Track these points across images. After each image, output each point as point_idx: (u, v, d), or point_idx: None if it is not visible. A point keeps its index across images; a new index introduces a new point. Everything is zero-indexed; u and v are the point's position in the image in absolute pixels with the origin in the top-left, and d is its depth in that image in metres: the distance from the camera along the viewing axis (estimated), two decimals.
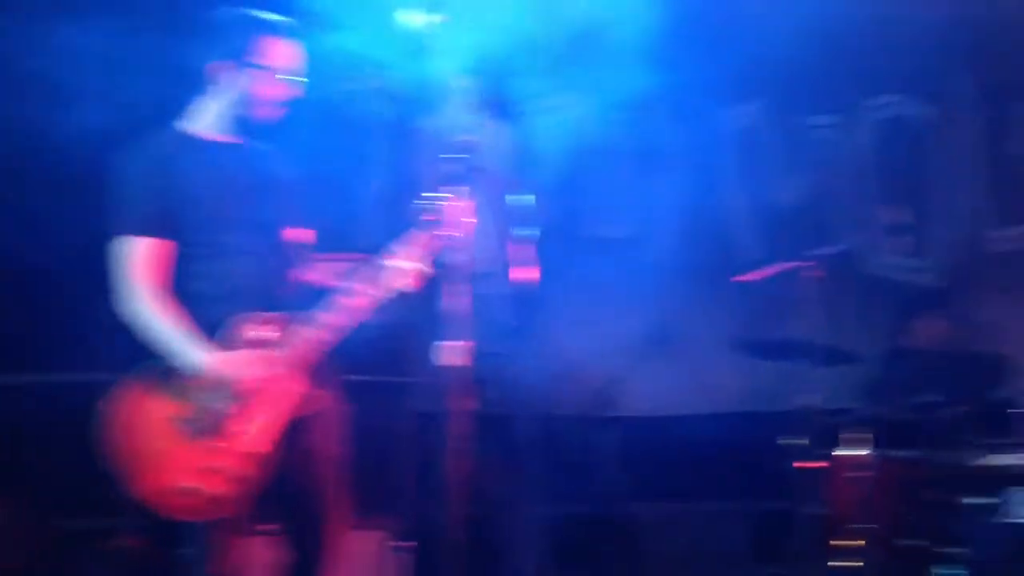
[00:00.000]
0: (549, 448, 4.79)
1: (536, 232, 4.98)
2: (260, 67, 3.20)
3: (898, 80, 6.01)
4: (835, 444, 4.82)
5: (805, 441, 4.71)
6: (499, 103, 5.23)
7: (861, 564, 4.54)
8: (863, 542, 4.58)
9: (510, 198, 5.02)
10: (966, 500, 4.48)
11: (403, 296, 3.14)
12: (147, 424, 3.03)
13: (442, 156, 3.10)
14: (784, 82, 5.96)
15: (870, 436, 4.76)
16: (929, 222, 5.99)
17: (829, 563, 4.57)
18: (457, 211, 3.08)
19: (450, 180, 3.07)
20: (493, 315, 4.21)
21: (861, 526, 4.61)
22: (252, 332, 3.08)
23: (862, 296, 5.79)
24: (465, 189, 3.12)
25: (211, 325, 3.06)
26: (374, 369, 4.51)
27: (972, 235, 5.94)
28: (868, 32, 5.95)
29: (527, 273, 4.84)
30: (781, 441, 4.74)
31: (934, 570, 4.39)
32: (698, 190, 5.96)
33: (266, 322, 3.11)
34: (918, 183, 6.02)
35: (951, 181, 6.01)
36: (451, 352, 3.08)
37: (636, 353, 5.62)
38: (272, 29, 3.23)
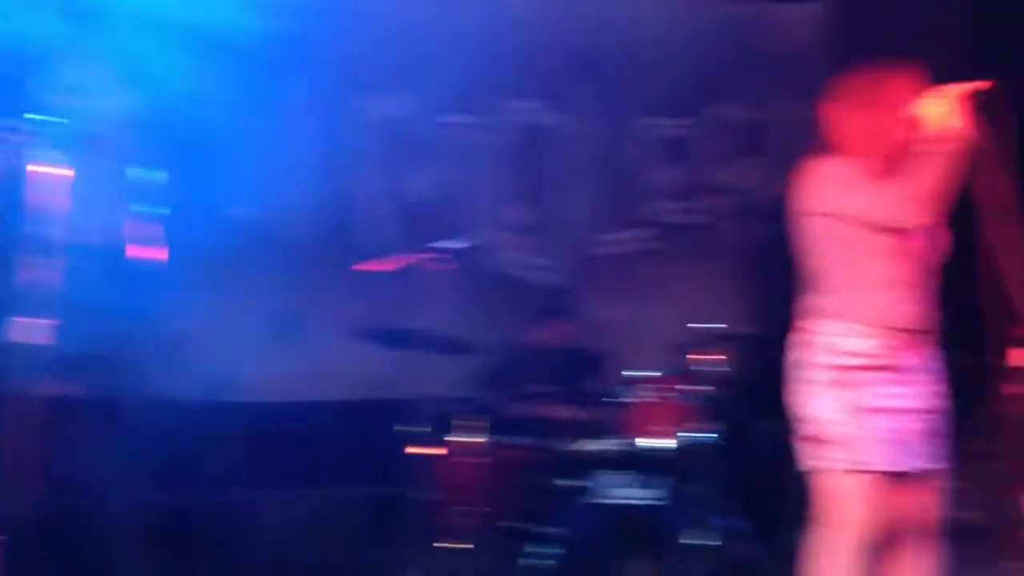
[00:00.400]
0: (162, 433, 4.62)
1: (163, 210, 4.80)
2: None
3: (530, 87, 6.33)
4: (449, 431, 4.99)
5: (421, 429, 4.85)
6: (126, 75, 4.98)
7: (468, 546, 4.73)
8: (471, 524, 4.77)
9: (134, 172, 4.81)
10: (565, 483, 4.77)
11: None
12: None
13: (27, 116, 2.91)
14: (423, 77, 6.10)
15: (482, 424, 4.98)
16: (551, 224, 6.36)
17: (437, 545, 4.72)
18: (45, 177, 2.91)
19: (39, 144, 2.90)
20: (98, 292, 4.01)
21: (470, 509, 4.80)
22: None
23: (485, 290, 6.03)
24: (61, 156, 2.96)
25: None
26: None
27: (587, 238, 6.37)
28: (507, 38, 6.24)
29: (148, 251, 4.65)
30: (398, 428, 4.84)
31: (531, 549, 4.64)
32: (330, 177, 5.99)
33: None
34: (543, 186, 6.37)
35: (571, 186, 6.41)
36: (29, 329, 2.90)
37: (256, 337, 5.56)
38: None
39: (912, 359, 3.12)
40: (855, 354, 3.10)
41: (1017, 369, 2.75)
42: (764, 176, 6.69)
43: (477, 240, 5.87)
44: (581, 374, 5.59)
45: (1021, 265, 2.74)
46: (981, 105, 2.94)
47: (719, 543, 4.84)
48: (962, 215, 3.08)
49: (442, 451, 4.94)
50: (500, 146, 6.33)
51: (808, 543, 3.16)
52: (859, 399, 3.07)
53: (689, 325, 5.24)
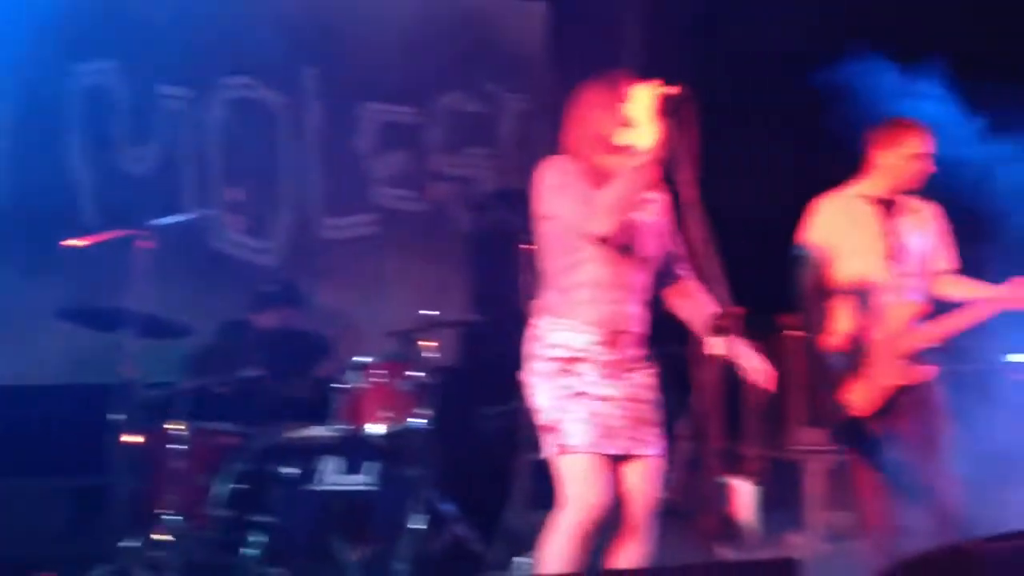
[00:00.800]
0: None
1: None
2: None
3: (253, 64, 6.15)
4: (159, 417, 4.79)
5: (129, 414, 4.61)
6: None
7: (182, 534, 4.55)
8: (184, 513, 4.60)
9: None
10: (282, 469, 4.67)
11: None
12: None
13: None
14: (138, 46, 5.79)
15: (196, 410, 4.81)
16: (271, 205, 6.20)
17: (151, 536, 4.53)
18: None
19: None
20: None
21: (183, 498, 4.63)
22: None
23: (199, 270, 5.82)
24: None
25: None
26: None
27: (309, 221, 6.27)
28: (234, 13, 6.03)
29: None
30: (109, 415, 4.58)
31: (247, 536, 4.52)
32: (38, 149, 5.58)
33: None
34: (264, 167, 6.20)
35: (294, 168, 6.28)
36: None
37: None
38: None
39: (627, 353, 3.28)
40: (576, 348, 3.24)
41: (715, 357, 2.94)
42: (489, 167, 6.83)
43: (195, 219, 5.66)
44: (300, 359, 5.51)
45: (714, 259, 2.93)
46: (672, 108, 3.11)
47: (437, 528, 4.91)
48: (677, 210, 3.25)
49: (153, 438, 4.74)
50: (223, 124, 6.11)
51: (541, 524, 3.25)
52: (578, 389, 3.19)
53: (411, 312, 5.27)
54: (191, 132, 6.03)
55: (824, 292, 4.35)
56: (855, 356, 4.19)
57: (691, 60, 5.59)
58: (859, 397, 4.18)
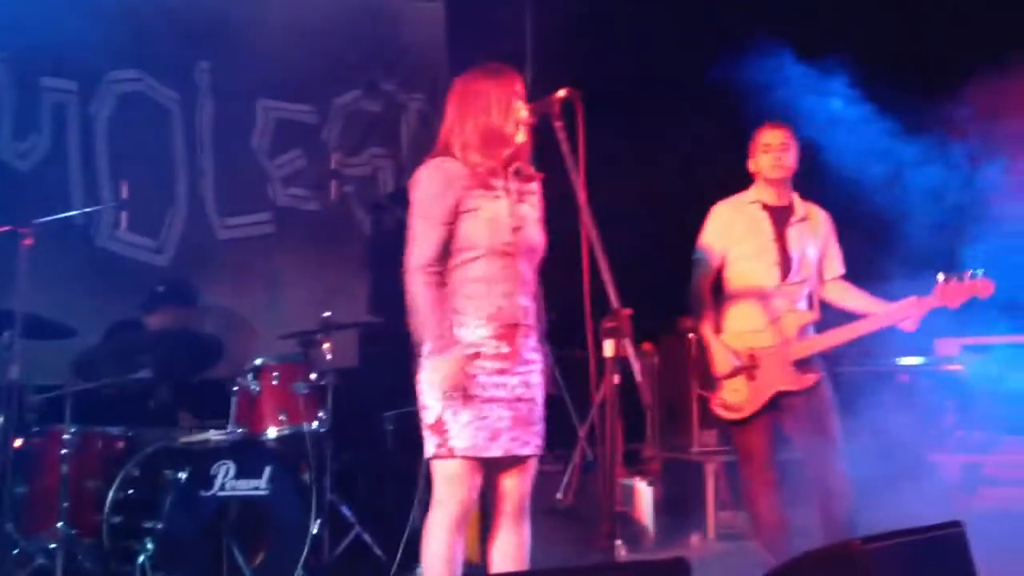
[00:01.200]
0: None
1: None
2: None
3: (143, 57, 6.00)
4: (46, 421, 4.64)
5: (13, 418, 4.45)
6: None
7: (66, 543, 4.42)
8: (71, 520, 4.46)
9: None
10: (172, 474, 4.56)
11: None
12: None
13: None
14: (22, 37, 5.59)
15: (81, 413, 4.66)
16: (163, 203, 6.05)
17: (38, 543, 4.39)
18: None
19: None
20: None
21: (69, 504, 4.49)
22: None
23: (86, 270, 5.66)
24: None
25: None
26: None
27: (202, 220, 6.13)
28: (121, 1, 5.87)
29: None
30: None
31: (135, 543, 4.40)
32: None
33: None
34: (155, 163, 6.05)
35: (187, 166, 6.14)
36: None
37: None
38: None
39: (520, 346, 3.29)
40: (468, 344, 3.24)
41: (611, 359, 2.96)
42: (388, 167, 6.78)
43: (82, 216, 5.50)
44: (193, 361, 5.38)
45: (604, 260, 2.96)
46: (560, 110, 3.14)
47: (337, 533, 4.86)
48: (565, 215, 3.27)
49: (40, 442, 4.59)
50: (113, 118, 5.94)
51: (425, 525, 3.25)
52: (468, 390, 3.19)
53: (309, 313, 5.21)
54: (78, 126, 5.85)
55: (716, 295, 4.44)
56: (744, 360, 4.28)
57: (585, 60, 5.65)
58: (745, 400, 4.27)
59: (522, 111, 3.29)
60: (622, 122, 5.77)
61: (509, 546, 3.34)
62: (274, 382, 4.83)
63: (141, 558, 4.36)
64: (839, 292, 4.46)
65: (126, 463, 4.65)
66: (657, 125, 6.15)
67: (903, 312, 4.19)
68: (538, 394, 3.35)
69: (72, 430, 4.60)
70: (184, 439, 4.79)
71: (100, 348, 5.26)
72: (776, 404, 4.28)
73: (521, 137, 3.31)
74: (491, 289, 3.26)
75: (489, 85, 3.32)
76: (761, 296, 4.34)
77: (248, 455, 4.59)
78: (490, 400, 3.22)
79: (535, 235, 3.36)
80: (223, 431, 4.79)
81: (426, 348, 3.24)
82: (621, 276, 3.01)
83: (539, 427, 3.35)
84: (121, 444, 4.77)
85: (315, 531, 4.63)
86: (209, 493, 4.50)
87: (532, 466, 3.37)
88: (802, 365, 4.27)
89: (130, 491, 4.59)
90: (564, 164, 3.11)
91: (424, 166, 3.34)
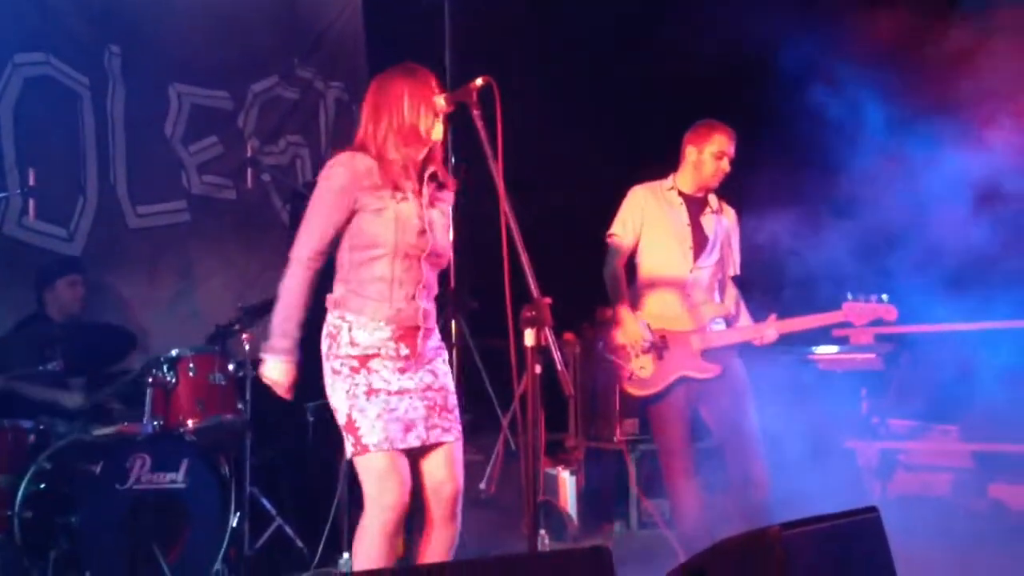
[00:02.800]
0: None
1: None
2: None
3: (50, 40, 5.82)
4: None
5: None
6: None
7: None
8: None
9: None
10: (85, 468, 4.45)
11: None
12: None
13: None
14: None
15: None
16: (73, 190, 5.89)
17: None
18: None
19: None
20: None
21: None
22: None
23: None
24: None
25: None
26: None
27: (114, 208, 5.99)
28: None
29: None
30: None
31: (49, 539, 4.30)
32: None
33: None
34: (65, 149, 5.88)
35: (97, 152, 5.99)
36: None
37: None
38: None
39: (420, 348, 3.28)
40: (367, 346, 3.23)
41: (532, 348, 2.96)
42: (305, 155, 6.70)
43: None
44: (106, 352, 5.26)
45: (522, 250, 2.97)
46: (478, 100, 3.14)
47: (257, 526, 4.80)
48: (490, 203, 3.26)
49: None
50: (19, 102, 5.74)
51: (359, 525, 3.23)
52: (372, 386, 3.19)
53: (225, 303, 5.13)
54: None
55: (629, 280, 4.50)
56: (655, 338, 4.35)
57: (504, 45, 5.65)
58: (650, 376, 4.34)
59: (439, 103, 3.27)
60: (542, 105, 5.79)
61: (438, 542, 3.32)
62: (191, 373, 4.75)
63: (54, 554, 4.25)
64: (728, 293, 4.60)
65: (37, 456, 4.53)
66: (576, 107, 6.18)
67: (758, 330, 4.38)
68: (448, 382, 3.35)
69: None
70: (98, 432, 4.68)
71: (9, 339, 5.12)
72: (690, 390, 4.35)
73: (437, 135, 3.30)
74: (392, 291, 3.24)
75: (404, 84, 3.30)
76: (676, 283, 4.42)
77: (165, 447, 4.50)
78: (399, 392, 3.21)
79: (442, 240, 3.36)
80: (140, 423, 4.68)
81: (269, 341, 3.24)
82: (543, 266, 3.02)
83: (456, 413, 3.36)
84: (32, 437, 4.64)
85: (235, 524, 4.58)
86: (124, 487, 4.40)
87: (458, 457, 3.35)
88: (708, 354, 4.37)
89: (42, 485, 4.47)
90: (482, 152, 3.10)
91: (335, 158, 3.31)
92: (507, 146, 3.08)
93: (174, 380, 4.73)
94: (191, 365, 4.76)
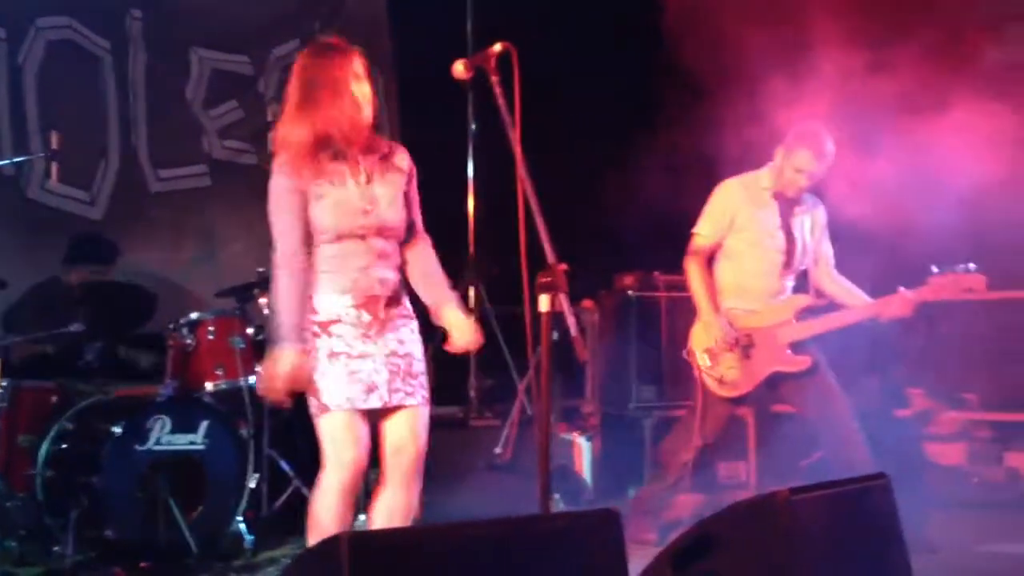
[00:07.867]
0: None
1: None
2: None
3: (73, 4, 5.84)
4: None
5: None
6: None
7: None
8: (2, 475, 4.41)
9: None
10: (106, 428, 4.50)
11: None
12: None
13: None
14: None
15: (11, 366, 4.60)
16: (95, 154, 5.93)
17: None
18: None
19: None
20: None
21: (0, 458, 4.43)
22: None
23: (16, 221, 5.55)
24: None
25: None
26: None
27: (135, 172, 6.02)
28: None
29: None
30: None
31: (71, 498, 4.35)
32: None
33: None
34: (87, 113, 5.91)
35: (119, 116, 6.01)
36: None
37: None
38: None
39: (382, 315, 3.27)
40: (331, 312, 3.23)
41: (546, 314, 2.97)
42: None
43: (11, 166, 5.38)
44: (128, 314, 5.32)
45: (540, 216, 2.95)
46: (496, 65, 3.10)
47: (275, 487, 4.85)
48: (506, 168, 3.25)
49: None
50: (42, 67, 5.78)
51: (315, 485, 3.24)
52: (335, 350, 3.19)
53: (245, 267, 5.15)
54: (6, 74, 5.70)
55: (713, 272, 4.51)
56: (741, 338, 4.35)
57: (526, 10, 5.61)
58: (739, 378, 4.35)
59: (457, 68, 3.21)
60: (562, 70, 5.75)
61: (395, 506, 3.30)
62: (210, 336, 4.78)
63: (75, 513, 4.32)
64: (829, 282, 4.58)
65: (60, 417, 4.59)
66: (598, 73, 6.14)
67: (883, 307, 4.29)
68: (415, 349, 3.33)
69: (3, 384, 4.54)
70: (119, 392, 4.73)
71: (30, 301, 5.18)
72: (775, 388, 4.39)
73: (366, 114, 3.23)
74: (345, 263, 3.24)
75: (319, 68, 3.23)
76: (761, 278, 4.42)
77: (184, 410, 4.55)
78: (361, 356, 3.21)
79: (390, 214, 3.29)
80: (160, 385, 4.73)
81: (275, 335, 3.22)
82: (562, 233, 3.02)
83: (422, 379, 3.34)
84: (54, 398, 4.71)
85: (252, 485, 4.62)
86: (144, 448, 4.46)
87: (423, 422, 3.33)
88: (797, 347, 4.36)
89: (63, 445, 4.53)
90: (500, 118, 3.08)
91: (273, 166, 3.26)
92: (526, 112, 3.07)
93: (193, 343, 4.76)
94: (210, 328, 4.79)
